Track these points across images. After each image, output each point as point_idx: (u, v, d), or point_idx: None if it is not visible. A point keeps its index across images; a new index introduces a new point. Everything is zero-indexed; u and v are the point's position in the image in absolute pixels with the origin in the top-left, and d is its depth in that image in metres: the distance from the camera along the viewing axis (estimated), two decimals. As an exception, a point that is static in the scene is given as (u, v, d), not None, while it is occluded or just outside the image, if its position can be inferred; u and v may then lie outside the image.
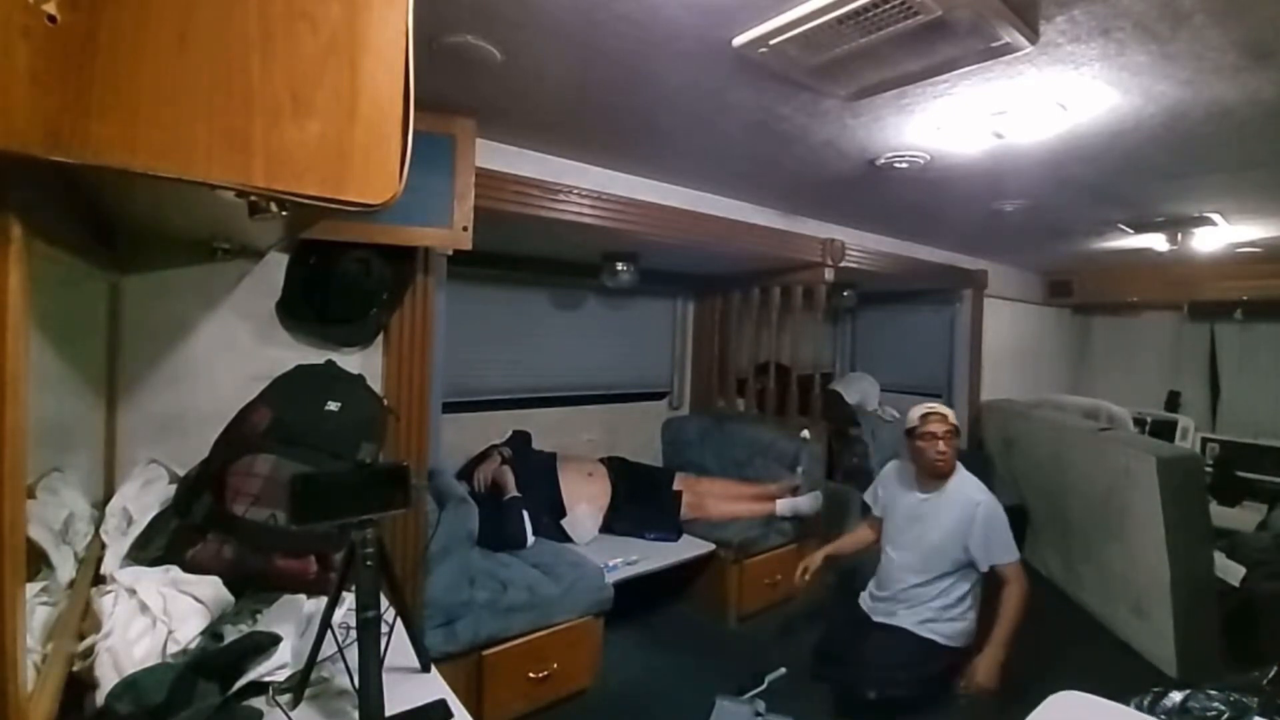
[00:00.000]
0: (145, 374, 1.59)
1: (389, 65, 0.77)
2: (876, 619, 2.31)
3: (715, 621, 2.97)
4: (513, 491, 2.70)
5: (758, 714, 1.99)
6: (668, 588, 3.01)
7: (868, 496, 2.59)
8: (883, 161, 2.18)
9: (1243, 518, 3.67)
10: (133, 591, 1.07)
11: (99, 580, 1.14)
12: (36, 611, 0.88)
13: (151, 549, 1.24)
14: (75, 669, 0.96)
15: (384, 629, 1.00)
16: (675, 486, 3.15)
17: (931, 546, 2.23)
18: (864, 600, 2.43)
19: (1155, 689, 1.62)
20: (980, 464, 4.10)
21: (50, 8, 0.58)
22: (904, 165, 2.19)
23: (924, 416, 2.27)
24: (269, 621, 1.16)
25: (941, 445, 2.22)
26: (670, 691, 2.39)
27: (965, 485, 2.27)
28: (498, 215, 2.07)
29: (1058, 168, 2.20)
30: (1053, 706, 1.16)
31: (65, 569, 1.05)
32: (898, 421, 4.08)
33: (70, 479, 1.16)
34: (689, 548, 2.93)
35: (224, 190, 0.71)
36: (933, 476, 2.28)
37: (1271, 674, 1.75)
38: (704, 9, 1.28)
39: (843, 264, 3.26)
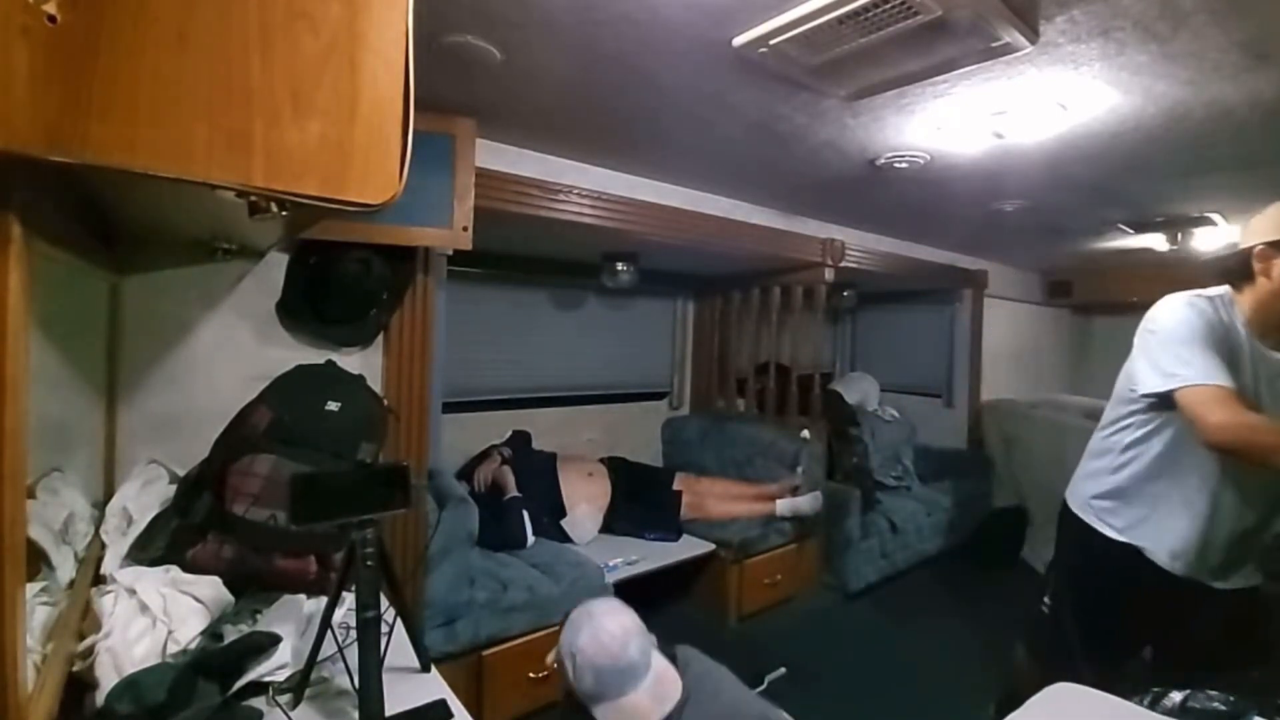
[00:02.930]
0: (145, 374, 1.60)
1: (389, 65, 0.77)
2: (1218, 584, 1.46)
3: (715, 621, 2.96)
4: (513, 491, 2.70)
5: (758, 714, 1.99)
6: (668, 588, 3.00)
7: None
8: (883, 161, 2.18)
9: (1243, 518, 3.66)
10: (133, 591, 1.07)
11: (99, 580, 1.14)
12: (36, 611, 0.88)
13: (151, 549, 1.24)
14: (75, 669, 0.96)
15: (384, 629, 1.00)
16: (675, 486, 3.15)
17: None
18: (1172, 562, 1.48)
19: (1155, 688, 1.61)
20: (980, 464, 4.12)
21: (50, 8, 0.58)
22: (904, 165, 2.19)
23: None
24: (269, 621, 1.16)
25: None
26: (670, 691, 2.39)
27: None
28: (498, 215, 2.07)
29: (1058, 168, 2.20)
30: (1050, 696, 1.16)
31: (65, 569, 1.06)
32: (897, 421, 4.08)
33: (70, 479, 1.16)
34: (689, 548, 2.92)
35: (224, 190, 0.71)
36: None
37: (1272, 674, 1.75)
38: (704, 9, 1.28)
39: (843, 264, 3.26)
